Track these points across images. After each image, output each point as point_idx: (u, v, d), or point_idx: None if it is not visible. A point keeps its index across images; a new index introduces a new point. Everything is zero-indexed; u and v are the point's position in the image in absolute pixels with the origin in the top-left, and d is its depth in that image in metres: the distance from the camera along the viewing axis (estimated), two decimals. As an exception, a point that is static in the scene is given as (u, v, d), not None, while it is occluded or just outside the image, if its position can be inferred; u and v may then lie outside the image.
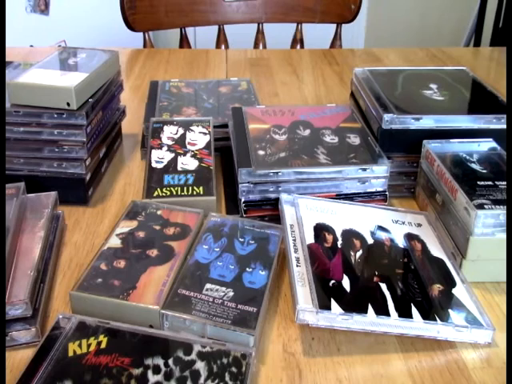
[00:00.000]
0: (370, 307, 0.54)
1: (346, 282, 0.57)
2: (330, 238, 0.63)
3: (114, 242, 0.63)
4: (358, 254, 0.62)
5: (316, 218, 0.66)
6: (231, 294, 0.57)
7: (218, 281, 0.58)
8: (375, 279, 0.59)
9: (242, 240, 0.65)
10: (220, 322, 0.53)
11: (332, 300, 0.54)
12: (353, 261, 0.61)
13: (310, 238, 0.62)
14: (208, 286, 0.58)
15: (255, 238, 0.66)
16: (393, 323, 0.54)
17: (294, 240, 0.63)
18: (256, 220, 0.70)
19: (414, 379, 0.51)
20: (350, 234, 0.65)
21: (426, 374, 0.52)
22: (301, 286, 0.56)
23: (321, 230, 0.64)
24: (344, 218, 0.68)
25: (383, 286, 0.58)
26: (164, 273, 0.59)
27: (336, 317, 0.53)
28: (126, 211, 0.69)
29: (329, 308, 0.53)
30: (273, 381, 0.51)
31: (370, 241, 0.64)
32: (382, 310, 0.54)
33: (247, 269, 0.60)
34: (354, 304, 0.55)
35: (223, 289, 0.57)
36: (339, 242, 0.63)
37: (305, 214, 0.66)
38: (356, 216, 0.68)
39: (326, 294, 0.55)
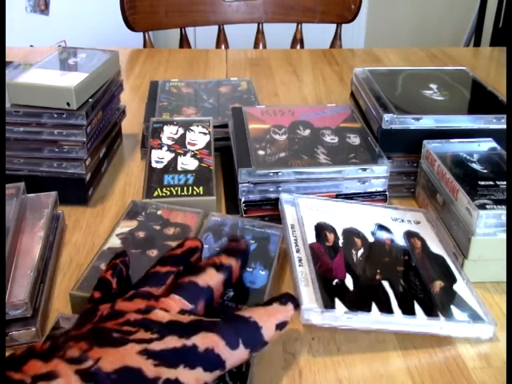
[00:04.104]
0: (373, 305, 0.54)
1: (348, 281, 0.57)
2: (331, 237, 0.63)
3: (114, 242, 0.63)
4: (360, 252, 0.62)
5: (317, 218, 0.66)
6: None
7: None
8: (377, 277, 0.59)
9: None
10: (220, 322, 0.53)
11: (336, 299, 0.54)
12: (354, 259, 0.61)
13: (311, 238, 0.62)
14: None
15: (255, 237, 0.66)
16: (396, 320, 0.54)
17: (296, 240, 0.63)
18: (256, 220, 0.70)
19: (413, 379, 0.51)
20: (350, 233, 0.65)
21: (426, 373, 0.52)
22: (304, 286, 0.56)
23: (322, 229, 0.64)
24: (344, 216, 0.68)
25: (385, 284, 0.58)
26: None
27: (341, 316, 0.53)
28: (125, 211, 0.69)
29: (333, 307, 0.53)
30: (273, 381, 0.51)
31: (371, 239, 0.64)
32: (385, 308, 0.54)
33: (247, 268, 0.60)
34: (357, 302, 0.55)
35: None
36: (340, 241, 0.63)
37: (305, 213, 0.66)
38: (356, 215, 0.68)
39: (329, 293, 0.55)
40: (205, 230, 0.66)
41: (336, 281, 0.57)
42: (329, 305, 0.53)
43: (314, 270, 0.57)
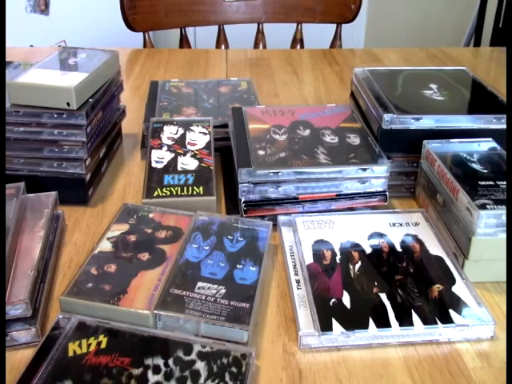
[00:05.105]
0: (370, 321, 0.55)
1: (346, 299, 0.57)
2: (328, 254, 0.64)
3: (105, 245, 0.63)
4: (357, 266, 0.62)
5: (314, 236, 0.66)
6: (223, 291, 0.57)
7: (209, 279, 0.59)
8: (375, 290, 0.59)
9: (231, 237, 0.65)
10: (214, 319, 0.53)
11: (333, 319, 0.55)
12: (352, 274, 0.61)
13: (308, 258, 0.63)
14: (200, 284, 0.58)
15: (244, 234, 0.66)
16: (394, 333, 0.54)
17: (294, 262, 0.64)
18: (244, 217, 0.70)
19: (413, 379, 0.51)
20: (348, 247, 0.65)
21: (426, 374, 0.52)
22: (302, 310, 0.57)
23: (319, 247, 0.65)
24: (341, 229, 0.68)
25: (383, 296, 0.58)
26: (155, 277, 0.59)
27: (338, 337, 0.54)
28: (117, 214, 0.69)
29: (330, 329, 0.54)
30: (273, 381, 0.51)
31: (368, 250, 0.65)
32: (382, 322, 0.55)
33: (238, 265, 0.61)
34: (354, 320, 0.55)
35: (215, 286, 0.58)
36: (338, 257, 0.63)
37: (302, 233, 0.67)
38: (353, 225, 0.69)
39: (326, 314, 0.55)
40: (193, 230, 0.66)
41: (333, 300, 0.57)
42: (326, 327, 0.54)
43: (311, 292, 0.57)
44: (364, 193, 0.73)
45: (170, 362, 0.49)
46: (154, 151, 0.81)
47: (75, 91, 0.71)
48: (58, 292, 0.61)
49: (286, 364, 0.53)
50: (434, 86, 0.89)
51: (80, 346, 0.51)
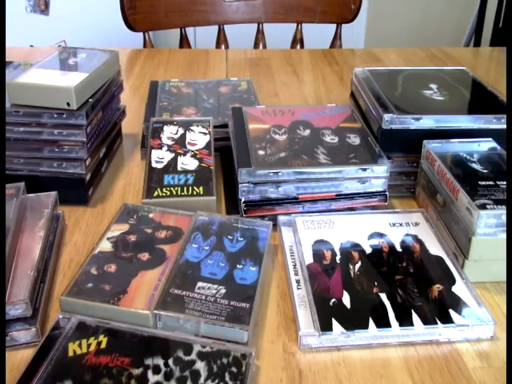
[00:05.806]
0: (370, 321, 0.55)
1: (346, 299, 0.57)
2: (328, 254, 0.64)
3: (105, 245, 0.63)
4: (357, 266, 0.62)
5: (314, 236, 0.66)
6: (223, 291, 0.57)
7: (209, 279, 0.59)
8: (375, 290, 0.59)
9: (231, 237, 0.65)
10: (214, 319, 0.53)
11: (333, 319, 0.55)
12: (352, 274, 0.61)
13: (308, 258, 0.63)
14: (200, 284, 0.58)
15: (244, 234, 0.66)
16: (394, 333, 0.54)
17: (294, 262, 0.64)
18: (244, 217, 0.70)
19: (413, 379, 0.51)
20: (348, 247, 0.65)
21: (426, 374, 0.52)
22: (302, 310, 0.57)
23: (319, 247, 0.65)
24: (341, 228, 0.68)
25: (383, 296, 0.58)
26: (155, 277, 0.59)
27: (338, 337, 0.54)
28: (117, 214, 0.69)
29: (330, 329, 0.54)
30: (273, 381, 0.51)
31: (368, 250, 0.65)
32: (382, 322, 0.55)
33: (238, 266, 0.61)
34: (354, 320, 0.55)
35: (215, 286, 0.58)
36: (338, 257, 0.63)
37: (302, 233, 0.67)
38: (353, 225, 0.69)
39: (326, 314, 0.55)
40: (193, 230, 0.66)
41: (333, 300, 0.57)
42: (326, 327, 0.54)
43: (311, 292, 0.57)
44: (364, 193, 0.73)
45: (170, 362, 0.49)
46: (153, 151, 0.81)
47: (75, 91, 0.71)
48: (58, 292, 0.61)
49: (286, 364, 0.53)
50: (434, 86, 0.89)
51: (80, 346, 0.51)
